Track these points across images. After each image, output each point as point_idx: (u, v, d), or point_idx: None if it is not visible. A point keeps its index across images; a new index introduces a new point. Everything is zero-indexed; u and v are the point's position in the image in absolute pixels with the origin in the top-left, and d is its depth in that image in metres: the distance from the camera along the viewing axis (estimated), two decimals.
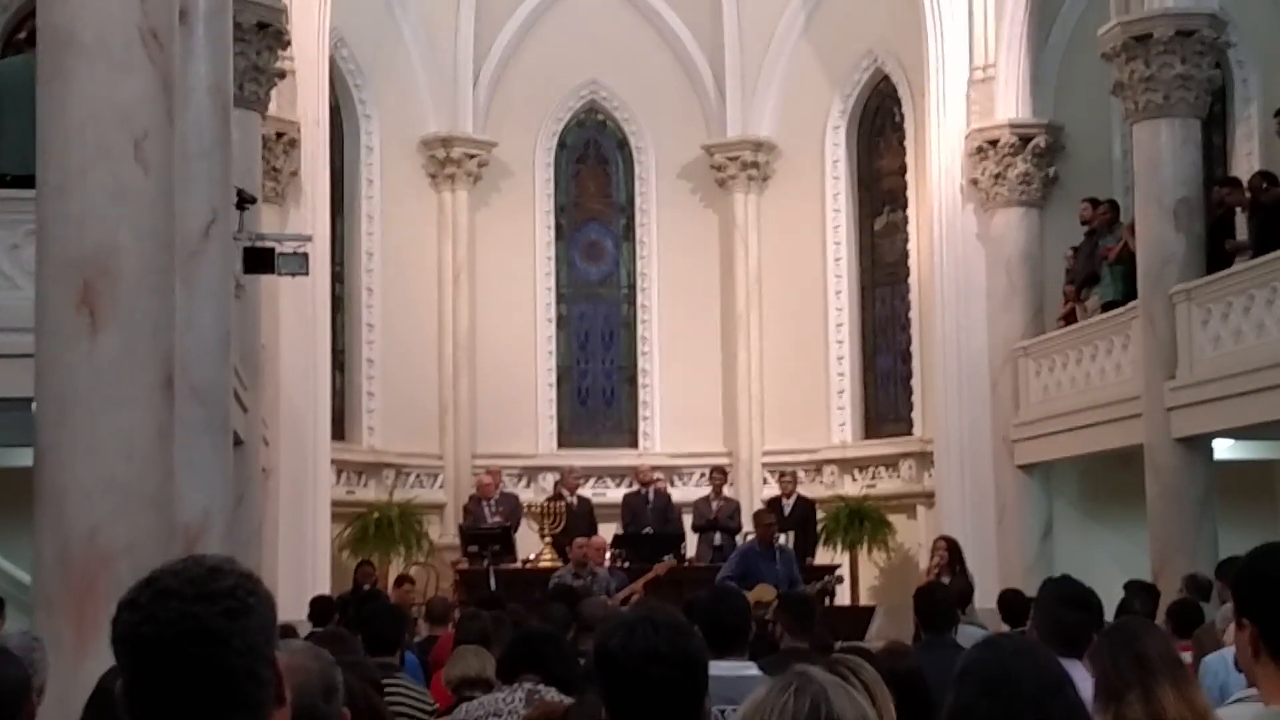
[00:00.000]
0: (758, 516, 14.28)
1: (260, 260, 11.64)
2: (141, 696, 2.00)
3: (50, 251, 6.85)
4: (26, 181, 9.14)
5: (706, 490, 18.30)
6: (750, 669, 5.17)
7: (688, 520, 17.75)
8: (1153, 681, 4.12)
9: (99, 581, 6.58)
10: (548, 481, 19.12)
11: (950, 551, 13.37)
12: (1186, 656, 7.39)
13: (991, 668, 2.95)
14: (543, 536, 16.91)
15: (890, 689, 4.15)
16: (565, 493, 17.54)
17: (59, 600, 6.63)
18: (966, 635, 6.97)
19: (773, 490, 18.70)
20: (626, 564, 16.00)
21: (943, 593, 6.59)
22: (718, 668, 3.49)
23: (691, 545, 17.40)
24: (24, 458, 11.96)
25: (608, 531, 17.17)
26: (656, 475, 18.54)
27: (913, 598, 6.84)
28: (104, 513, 6.64)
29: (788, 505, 17.39)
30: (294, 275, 12.13)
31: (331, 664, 2.78)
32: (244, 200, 11.11)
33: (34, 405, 7.01)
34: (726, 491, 18.47)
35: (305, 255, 12.08)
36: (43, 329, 6.85)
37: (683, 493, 19.11)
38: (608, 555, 15.61)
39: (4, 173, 9.77)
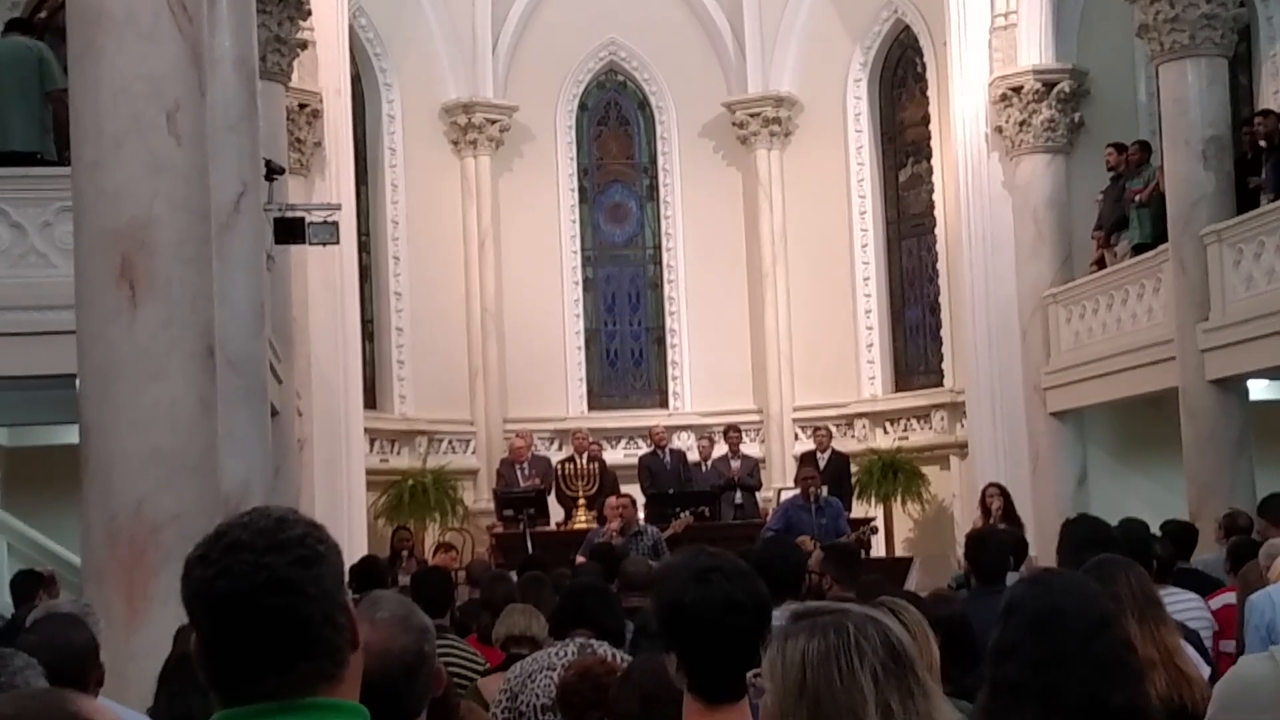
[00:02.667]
0: (798, 470, 14.27)
1: (290, 231, 11.66)
2: (219, 651, 2.00)
3: (88, 226, 6.88)
4: (24, 160, 9.36)
5: (725, 449, 18.32)
6: None
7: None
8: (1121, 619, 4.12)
9: (147, 551, 6.65)
10: None
11: (1005, 498, 13.35)
12: (1232, 596, 7.40)
13: (1040, 604, 2.94)
14: (576, 499, 16.94)
15: (936, 634, 4.13)
16: (577, 455, 17.48)
17: (108, 571, 6.70)
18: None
19: (806, 445, 18.72)
20: (648, 525, 16.00)
21: (996, 540, 6.48)
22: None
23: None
24: (63, 435, 12.10)
25: (632, 492, 17.17)
26: (702, 438, 18.54)
27: (965, 545, 6.76)
28: (150, 483, 6.70)
29: (823, 459, 17.38)
30: (324, 244, 12.16)
31: (421, 633, 2.66)
32: (273, 171, 11.13)
33: (77, 382, 7.05)
34: (756, 449, 18.48)
35: (335, 224, 12.11)
36: (83, 303, 6.89)
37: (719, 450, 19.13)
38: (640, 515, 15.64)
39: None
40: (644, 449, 19.06)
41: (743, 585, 2.89)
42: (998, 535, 6.67)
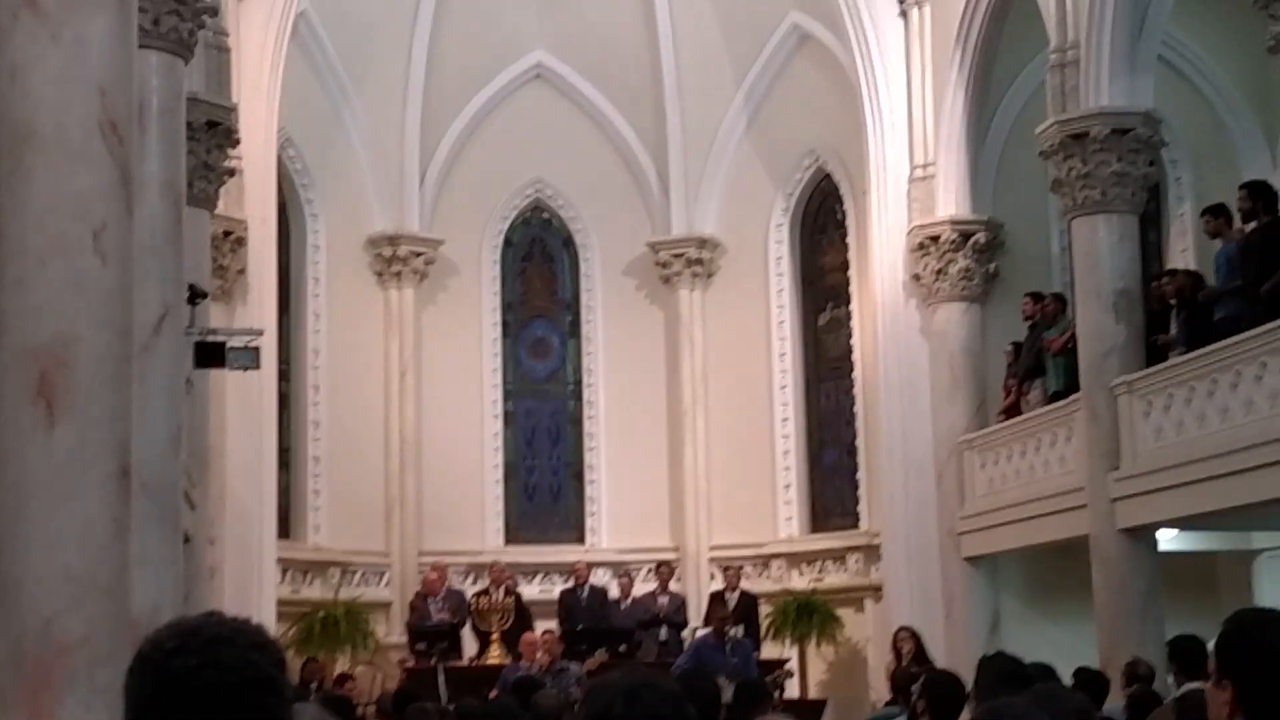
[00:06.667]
0: (709, 609, 14.26)
1: (211, 355, 11.62)
2: None
3: (8, 343, 6.82)
4: None
5: (652, 585, 18.28)
6: None
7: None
8: None
9: (54, 673, 6.52)
10: None
11: (916, 641, 13.41)
12: None
13: None
14: (489, 635, 16.79)
15: None
16: (493, 589, 17.36)
17: (13, 694, 6.55)
18: None
19: (717, 584, 18.71)
20: (570, 661, 15.94)
21: (958, 683, 6.55)
22: None
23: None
24: None
25: (547, 628, 17.06)
26: (621, 574, 18.49)
27: (923, 685, 6.78)
28: (59, 604, 6.59)
29: (731, 599, 17.38)
30: (245, 369, 12.11)
31: None
32: (195, 295, 11.11)
33: None
34: (673, 586, 18.46)
35: (256, 350, 12.08)
36: None
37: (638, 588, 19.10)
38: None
39: None
40: (560, 584, 18.97)
41: (671, 706, 2.90)
42: (956, 680, 6.71)
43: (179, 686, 1.97)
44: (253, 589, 16.04)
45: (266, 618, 16.21)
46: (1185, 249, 17.24)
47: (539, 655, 14.37)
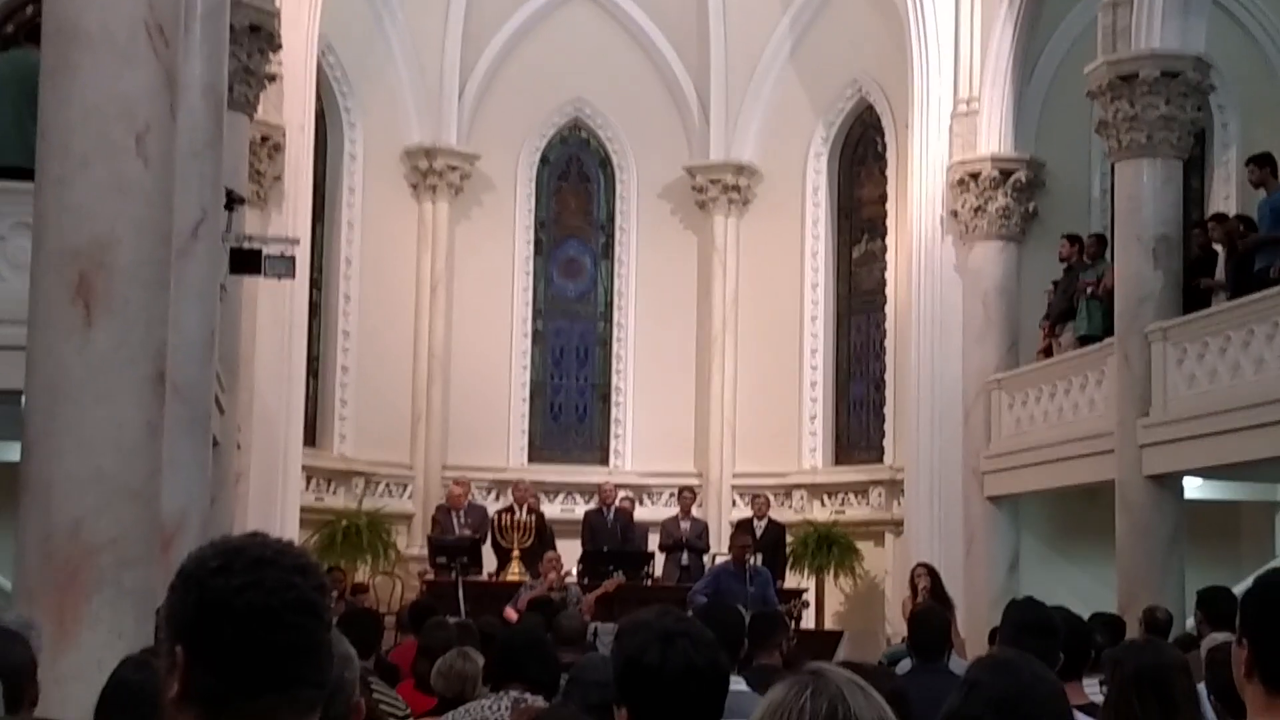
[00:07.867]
0: (734, 536, 14.28)
1: (246, 262, 11.58)
2: (223, 665, 1.95)
3: (47, 242, 6.83)
4: (7, 173, 9.14)
5: (675, 510, 18.34)
6: (741, 684, 5.20)
7: (654, 540, 17.77)
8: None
9: (81, 574, 6.57)
10: None
11: (933, 578, 13.44)
12: None
13: (1009, 687, 2.94)
14: (510, 551, 16.87)
15: None
16: (516, 507, 17.41)
17: (40, 592, 6.60)
18: (957, 665, 6.97)
19: (744, 512, 18.75)
20: (587, 580, 16.06)
21: (939, 619, 6.54)
22: None
23: (659, 564, 17.42)
24: (5, 452, 11.91)
25: (569, 547, 17.14)
26: (625, 495, 18.53)
27: (907, 622, 6.82)
28: (90, 505, 6.62)
29: (759, 527, 17.41)
30: (280, 278, 12.09)
31: (343, 660, 2.69)
32: (233, 201, 11.06)
33: (23, 398, 6.98)
34: (695, 512, 18.51)
35: (292, 259, 12.03)
36: (36, 320, 6.82)
37: (650, 512, 19.16)
38: (567, 571, 15.66)
39: None
40: (582, 505, 19.04)
41: (705, 653, 2.91)
42: (940, 614, 6.70)
43: (221, 606, 1.95)
44: (277, 495, 16.11)
45: (290, 525, 16.32)
46: (1228, 196, 17.05)
47: (550, 575, 14.47)
